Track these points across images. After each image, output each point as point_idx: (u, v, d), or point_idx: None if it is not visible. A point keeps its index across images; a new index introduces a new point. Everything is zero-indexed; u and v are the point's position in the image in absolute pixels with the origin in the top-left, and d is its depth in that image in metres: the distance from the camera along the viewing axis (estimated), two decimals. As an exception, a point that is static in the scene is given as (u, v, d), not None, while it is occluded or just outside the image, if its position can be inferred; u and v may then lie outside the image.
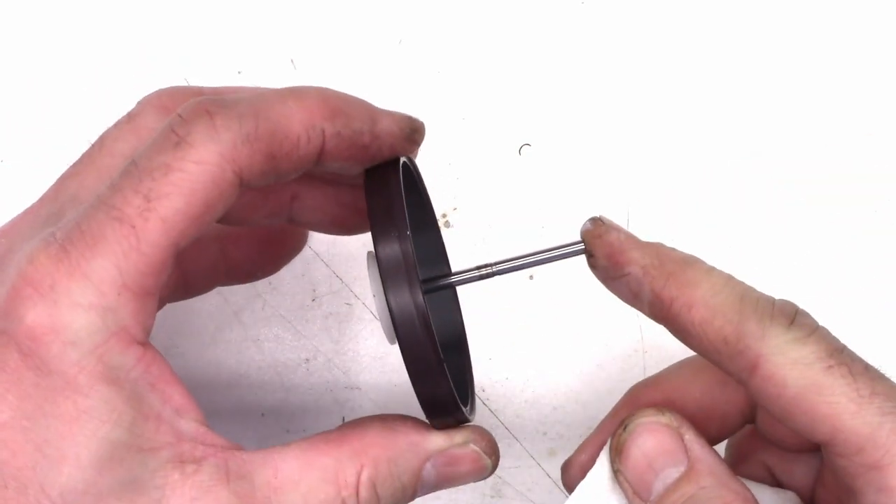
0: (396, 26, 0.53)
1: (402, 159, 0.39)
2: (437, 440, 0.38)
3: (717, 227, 0.52)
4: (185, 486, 0.35)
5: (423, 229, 0.45)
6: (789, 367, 0.34)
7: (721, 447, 0.42)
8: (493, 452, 0.39)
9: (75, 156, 0.52)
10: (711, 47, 0.52)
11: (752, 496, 0.37)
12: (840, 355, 0.35)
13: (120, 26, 0.53)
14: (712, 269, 0.37)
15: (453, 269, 0.42)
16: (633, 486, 0.38)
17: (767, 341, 0.35)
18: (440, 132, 0.52)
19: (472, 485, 0.53)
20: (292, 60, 0.53)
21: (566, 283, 0.52)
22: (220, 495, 0.35)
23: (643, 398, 0.41)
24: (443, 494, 0.53)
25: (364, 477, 0.37)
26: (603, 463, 0.39)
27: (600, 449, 0.40)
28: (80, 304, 0.35)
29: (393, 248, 0.36)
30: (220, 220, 0.43)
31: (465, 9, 0.53)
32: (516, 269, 0.40)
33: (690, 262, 0.37)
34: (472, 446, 0.39)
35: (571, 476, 0.41)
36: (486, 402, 0.53)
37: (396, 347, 0.36)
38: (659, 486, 0.38)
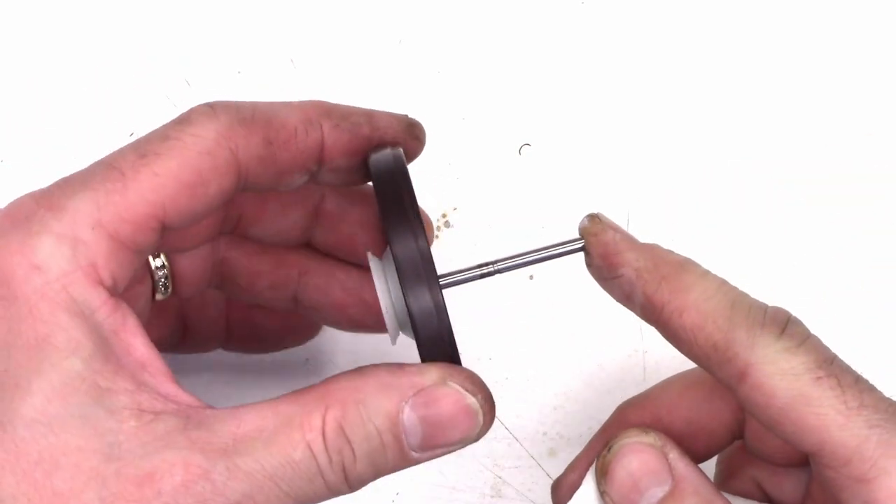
0: (396, 26, 0.53)
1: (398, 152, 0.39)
2: (409, 378, 0.36)
3: (716, 227, 0.52)
4: (139, 433, 0.34)
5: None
6: (778, 378, 0.34)
7: (712, 463, 0.43)
8: (480, 391, 0.37)
9: (75, 156, 0.52)
10: (711, 47, 0.52)
11: None
12: (829, 366, 0.34)
13: (120, 26, 0.53)
14: (706, 273, 0.37)
15: (449, 269, 0.42)
16: None
17: (756, 350, 0.34)
18: (440, 132, 0.52)
19: (472, 485, 0.53)
20: (292, 60, 0.53)
21: (566, 283, 0.52)
22: (176, 441, 0.34)
23: (631, 417, 0.41)
24: (443, 494, 0.53)
25: (329, 418, 0.35)
26: (590, 483, 0.39)
27: (588, 468, 0.40)
28: (52, 232, 0.35)
29: (409, 246, 0.36)
30: (226, 276, 0.44)
31: (465, 9, 0.53)
32: (517, 267, 0.40)
33: (685, 265, 0.37)
34: (451, 383, 0.36)
35: (560, 496, 0.41)
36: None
37: (399, 345, 0.36)
38: None
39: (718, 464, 0.43)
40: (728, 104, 0.52)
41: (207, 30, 0.53)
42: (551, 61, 0.52)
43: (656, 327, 0.37)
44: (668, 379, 0.42)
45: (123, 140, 0.54)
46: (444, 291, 0.43)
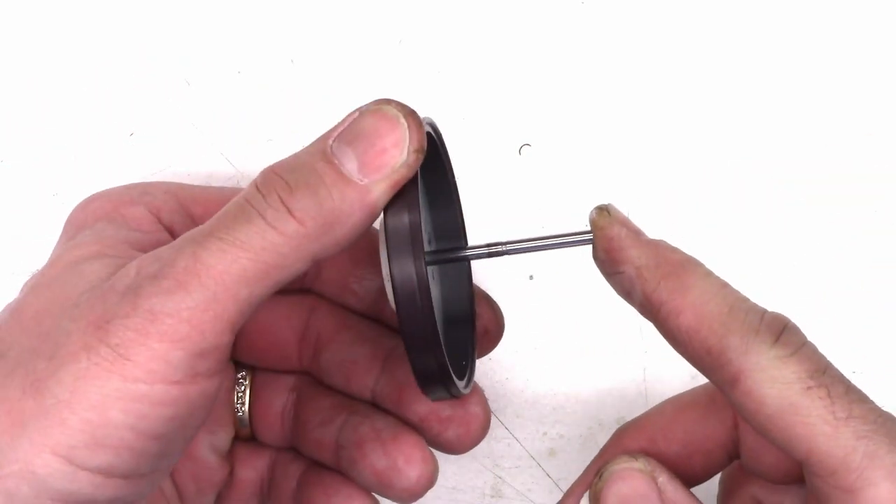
0: (396, 26, 0.53)
1: (426, 128, 0.39)
2: (333, 126, 0.36)
3: (717, 227, 0.52)
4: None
5: (442, 202, 0.45)
6: (768, 385, 0.34)
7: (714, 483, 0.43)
8: (393, 102, 0.37)
9: (75, 156, 0.53)
10: (712, 47, 0.52)
11: None
12: (821, 376, 0.34)
13: (120, 26, 0.53)
14: (709, 274, 0.36)
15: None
16: None
17: (749, 357, 0.34)
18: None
19: (471, 485, 0.53)
20: (292, 60, 0.53)
21: (566, 284, 0.52)
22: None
23: (627, 441, 0.42)
24: (443, 494, 0.53)
25: (261, 172, 0.35)
26: None
27: (584, 493, 0.40)
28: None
29: (401, 218, 0.36)
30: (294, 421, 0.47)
31: (465, 9, 0.53)
32: (526, 251, 0.40)
33: (686, 265, 0.36)
34: (365, 107, 0.36)
35: None
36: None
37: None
38: None
39: (720, 483, 0.43)
40: (728, 104, 0.52)
41: (207, 30, 0.53)
42: (551, 61, 0.52)
43: (654, 325, 0.37)
44: (663, 402, 0.42)
45: (123, 140, 0.54)
46: (457, 267, 0.43)
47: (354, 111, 0.36)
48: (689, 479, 0.41)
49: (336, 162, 0.35)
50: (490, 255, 0.40)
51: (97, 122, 0.53)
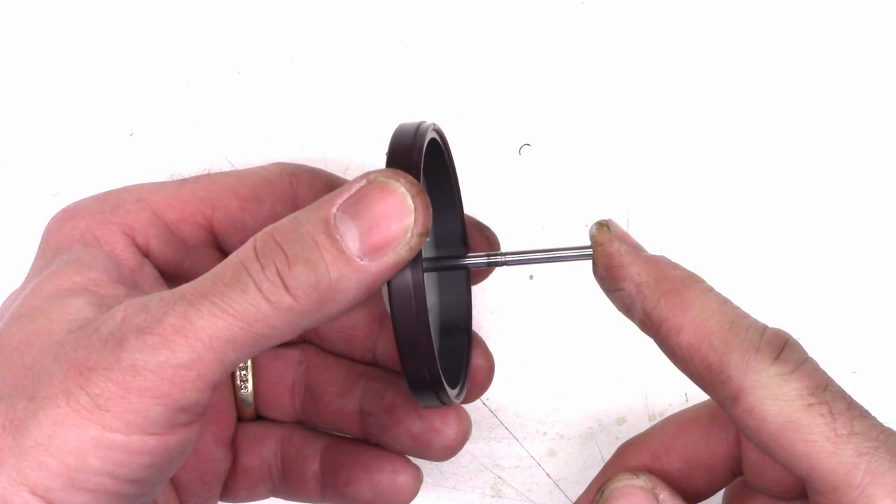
0: (396, 26, 0.53)
1: (431, 135, 0.39)
2: (338, 190, 0.35)
3: (716, 228, 0.52)
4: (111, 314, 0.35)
5: (445, 209, 0.45)
6: (769, 403, 0.34)
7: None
8: (402, 177, 0.35)
9: (75, 156, 0.53)
10: (712, 48, 0.52)
11: None
12: (822, 393, 0.34)
13: (120, 26, 0.53)
14: (709, 290, 0.36)
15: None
16: None
17: (750, 374, 0.34)
18: (440, 132, 0.52)
19: (472, 485, 0.53)
20: (292, 60, 0.53)
21: (566, 284, 0.52)
22: (129, 301, 0.35)
23: (629, 457, 0.42)
24: (443, 494, 0.53)
25: (260, 234, 0.34)
26: None
27: None
28: (97, 198, 0.41)
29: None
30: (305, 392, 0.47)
31: (465, 9, 0.53)
32: (525, 263, 0.40)
33: (687, 281, 0.36)
34: (374, 176, 0.35)
35: None
36: (486, 401, 0.53)
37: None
38: None
39: (723, 500, 0.43)
40: (728, 105, 0.52)
41: (207, 30, 0.53)
42: (551, 61, 0.52)
43: (655, 342, 0.37)
44: (666, 418, 0.43)
45: (123, 140, 0.54)
46: (456, 275, 0.44)
47: (362, 177, 0.35)
48: (691, 495, 0.41)
49: (338, 237, 0.34)
50: (489, 264, 0.40)
51: (97, 122, 0.53)
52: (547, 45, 0.53)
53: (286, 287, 0.33)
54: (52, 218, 0.41)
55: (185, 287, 0.34)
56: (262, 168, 0.43)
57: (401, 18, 0.53)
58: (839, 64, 0.52)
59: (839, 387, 0.35)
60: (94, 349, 0.33)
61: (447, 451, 0.45)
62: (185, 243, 0.41)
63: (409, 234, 0.34)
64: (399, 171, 0.35)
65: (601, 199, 0.52)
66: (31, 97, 0.53)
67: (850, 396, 0.35)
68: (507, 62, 0.53)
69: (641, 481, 0.39)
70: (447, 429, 0.44)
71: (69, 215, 0.40)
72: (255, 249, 0.34)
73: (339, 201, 0.34)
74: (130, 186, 0.42)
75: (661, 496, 0.39)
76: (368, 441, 0.46)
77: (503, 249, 0.40)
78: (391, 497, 0.46)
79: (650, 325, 0.36)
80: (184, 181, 0.42)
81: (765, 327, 0.36)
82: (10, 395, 0.33)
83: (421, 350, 0.36)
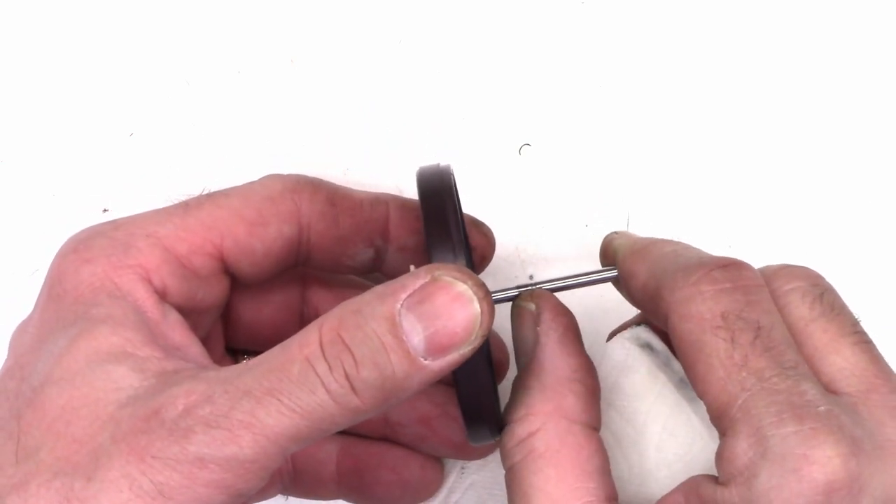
0: (396, 26, 0.53)
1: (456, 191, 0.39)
2: (401, 283, 0.34)
3: (717, 227, 0.52)
4: (157, 384, 0.35)
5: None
6: (685, 321, 0.34)
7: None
8: (469, 278, 0.35)
9: (75, 156, 0.53)
10: (712, 47, 0.52)
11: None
12: (734, 320, 0.34)
13: (120, 26, 0.53)
14: (670, 243, 0.38)
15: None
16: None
17: (675, 293, 0.35)
18: (440, 132, 0.52)
19: (471, 485, 0.53)
20: (292, 60, 0.53)
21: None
22: (184, 379, 0.35)
23: None
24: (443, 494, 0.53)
25: (326, 329, 0.34)
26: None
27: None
28: (107, 236, 0.40)
29: (448, 260, 0.35)
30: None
31: (465, 9, 0.53)
32: (557, 290, 0.40)
33: (655, 241, 0.38)
34: (440, 276, 0.34)
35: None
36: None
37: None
38: None
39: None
40: (729, 104, 0.52)
41: (207, 30, 0.53)
42: (551, 61, 0.52)
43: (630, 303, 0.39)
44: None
45: (123, 140, 0.54)
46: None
47: (425, 272, 0.35)
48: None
49: (404, 338, 0.34)
50: (509, 299, 0.39)
51: (97, 122, 0.53)
52: (547, 45, 0.53)
53: (353, 389, 0.34)
54: (61, 255, 0.39)
55: (248, 379, 0.34)
56: (262, 185, 0.43)
57: (401, 18, 0.53)
58: (838, 66, 0.52)
59: (765, 321, 0.34)
60: (158, 437, 0.33)
61: (485, 451, 0.46)
62: (196, 275, 0.40)
63: (473, 336, 0.34)
64: (465, 271, 0.35)
65: (601, 199, 0.52)
66: (31, 97, 0.53)
67: (771, 333, 0.34)
68: (507, 62, 0.53)
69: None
70: None
71: (83, 258, 0.39)
72: (321, 346, 0.34)
73: (403, 296, 0.34)
74: (135, 218, 0.41)
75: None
76: (388, 440, 0.47)
77: (531, 279, 0.41)
78: (420, 493, 0.47)
79: (624, 285, 0.38)
80: (187, 208, 0.41)
81: (714, 256, 0.36)
82: (64, 472, 0.33)
83: (487, 415, 0.36)
